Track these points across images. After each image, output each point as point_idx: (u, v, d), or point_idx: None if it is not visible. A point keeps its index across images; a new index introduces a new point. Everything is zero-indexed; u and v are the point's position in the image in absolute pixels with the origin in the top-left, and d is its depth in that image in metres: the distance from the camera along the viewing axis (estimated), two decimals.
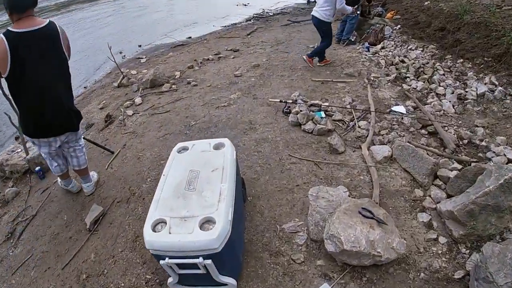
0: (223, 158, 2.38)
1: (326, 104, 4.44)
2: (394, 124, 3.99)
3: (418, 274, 2.28)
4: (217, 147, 2.57)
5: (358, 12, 6.90)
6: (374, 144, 3.63)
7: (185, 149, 2.62)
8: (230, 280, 2.17)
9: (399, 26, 7.49)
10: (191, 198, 2.10)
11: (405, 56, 6.04)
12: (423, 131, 3.90)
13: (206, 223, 1.96)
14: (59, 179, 3.46)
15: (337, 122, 4.11)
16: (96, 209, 3.17)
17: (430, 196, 2.90)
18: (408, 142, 3.48)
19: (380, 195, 2.88)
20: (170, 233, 1.91)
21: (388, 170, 3.24)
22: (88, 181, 3.42)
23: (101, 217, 3.13)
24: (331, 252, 2.31)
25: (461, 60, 5.26)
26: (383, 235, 2.25)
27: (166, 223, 1.97)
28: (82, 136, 3.33)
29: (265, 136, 3.93)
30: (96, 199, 3.42)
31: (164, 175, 2.37)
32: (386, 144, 3.58)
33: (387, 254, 2.19)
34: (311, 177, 3.20)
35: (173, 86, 5.93)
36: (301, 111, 4.04)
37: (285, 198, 2.99)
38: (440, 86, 4.86)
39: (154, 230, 1.98)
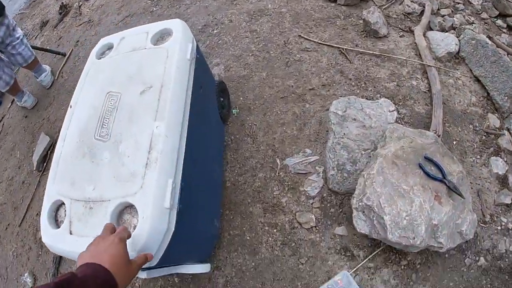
0: (164, 63, 1.25)
1: None
2: (458, 2, 2.51)
3: (477, 259, 1.46)
4: (161, 37, 1.42)
5: None
6: (432, 29, 2.29)
7: (109, 48, 1.48)
8: (196, 269, 1.35)
9: None
10: (101, 159, 1.11)
11: None
12: (499, 21, 2.43)
13: (126, 212, 1.02)
14: (14, 98, 2.93)
15: None
16: (44, 140, 2.57)
17: (508, 130, 1.80)
18: (488, 36, 2.13)
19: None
20: (71, 233, 1.03)
21: (453, 75, 2.02)
22: (42, 71, 2.91)
23: (49, 151, 2.49)
24: (362, 234, 1.39)
25: None
26: (452, 213, 1.28)
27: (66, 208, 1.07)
28: (23, 35, 2.63)
29: (264, 5, 2.58)
30: (45, 124, 2.74)
31: (70, 106, 1.32)
32: (448, 32, 2.25)
33: (450, 243, 1.32)
34: (335, 75, 2.04)
35: None
36: None
37: (291, 111, 1.93)
38: None
39: (55, 220, 1.17)
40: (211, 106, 1.65)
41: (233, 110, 1.97)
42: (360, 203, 1.41)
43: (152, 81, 1.20)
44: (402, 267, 1.45)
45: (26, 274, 2.00)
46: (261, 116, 1.93)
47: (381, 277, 1.45)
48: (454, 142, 1.74)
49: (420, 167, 1.39)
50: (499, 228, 1.52)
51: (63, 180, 1.14)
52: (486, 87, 1.94)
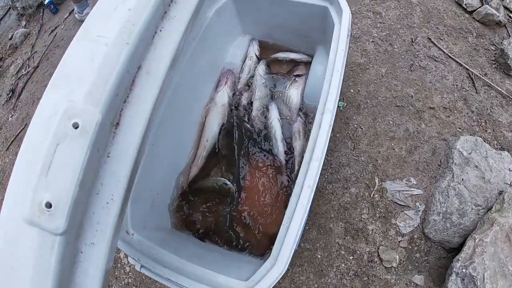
0: None
1: None
2: None
3: None
4: None
5: None
6: None
7: None
8: None
9: None
10: None
11: None
12: None
13: None
14: (75, 8, 2.62)
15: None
16: None
17: None
18: None
19: None
20: None
21: None
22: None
23: None
24: None
25: None
26: None
27: None
28: None
29: None
30: None
31: None
32: None
33: None
34: (458, 100, 1.72)
35: None
36: None
37: (404, 126, 1.63)
38: None
39: None
40: None
41: (340, 103, 1.66)
42: (464, 270, 1.20)
43: None
44: None
45: None
46: (370, 120, 1.63)
47: None
48: None
49: None
50: None
51: None
52: None
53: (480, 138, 1.53)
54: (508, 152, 1.59)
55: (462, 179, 1.41)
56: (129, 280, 1.49)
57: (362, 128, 1.60)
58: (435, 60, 1.84)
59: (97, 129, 0.42)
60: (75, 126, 0.41)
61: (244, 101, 1.42)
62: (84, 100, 0.43)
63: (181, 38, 0.55)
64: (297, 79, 1.42)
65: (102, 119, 0.43)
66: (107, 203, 0.44)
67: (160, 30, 0.54)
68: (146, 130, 0.50)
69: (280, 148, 1.29)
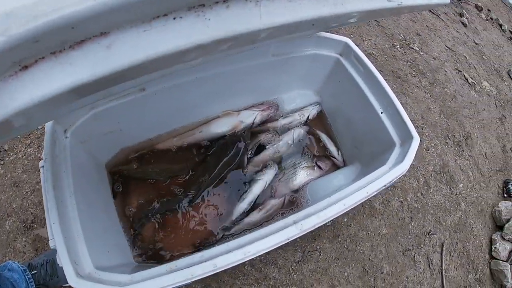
0: None
1: None
2: None
3: None
4: None
5: None
6: None
7: None
8: None
9: None
10: None
11: None
12: None
13: None
14: None
15: None
16: None
17: None
18: None
19: None
20: None
21: None
22: None
23: None
24: None
25: None
26: None
27: None
28: None
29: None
30: None
31: None
32: None
33: None
34: None
35: None
36: None
37: (352, 274, 1.51)
38: None
39: None
40: None
41: None
42: None
43: None
44: None
45: None
46: (333, 256, 1.50)
47: None
48: None
49: None
50: None
51: None
52: None
53: None
54: None
55: None
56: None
57: (320, 254, 1.48)
58: (428, 265, 1.72)
59: None
60: None
61: (260, 139, 1.33)
62: None
63: None
64: (315, 168, 1.32)
65: None
66: None
67: None
68: None
69: (244, 205, 1.19)
